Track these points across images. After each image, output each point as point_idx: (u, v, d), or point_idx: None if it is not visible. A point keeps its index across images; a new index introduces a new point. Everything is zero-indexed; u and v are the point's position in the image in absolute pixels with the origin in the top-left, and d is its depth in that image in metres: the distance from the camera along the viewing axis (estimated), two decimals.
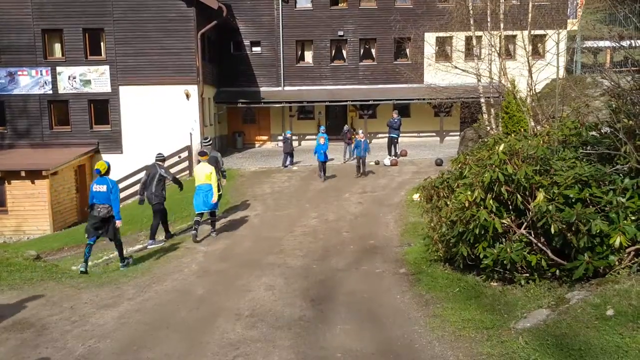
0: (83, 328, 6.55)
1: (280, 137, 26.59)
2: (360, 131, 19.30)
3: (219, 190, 11.60)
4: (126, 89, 21.08)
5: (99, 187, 9.15)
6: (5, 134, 21.32)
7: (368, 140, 18.89)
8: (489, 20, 19.51)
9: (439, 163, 18.99)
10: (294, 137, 25.64)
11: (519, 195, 6.51)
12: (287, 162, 20.30)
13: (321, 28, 26.24)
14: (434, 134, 26.77)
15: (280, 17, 25.94)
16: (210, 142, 13.66)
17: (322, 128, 21.12)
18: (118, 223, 9.34)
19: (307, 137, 26.70)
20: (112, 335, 6.31)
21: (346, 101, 25.60)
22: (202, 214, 11.47)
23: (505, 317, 5.92)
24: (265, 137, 27.51)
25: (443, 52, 25.44)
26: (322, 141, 17.53)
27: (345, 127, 21.57)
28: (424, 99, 24.12)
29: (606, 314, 5.13)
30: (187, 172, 20.31)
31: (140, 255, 10.79)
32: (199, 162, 11.96)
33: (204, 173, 11.36)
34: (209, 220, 11.97)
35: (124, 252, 10.14)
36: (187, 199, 13.53)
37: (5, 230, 18.14)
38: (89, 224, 9.34)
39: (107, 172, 9.29)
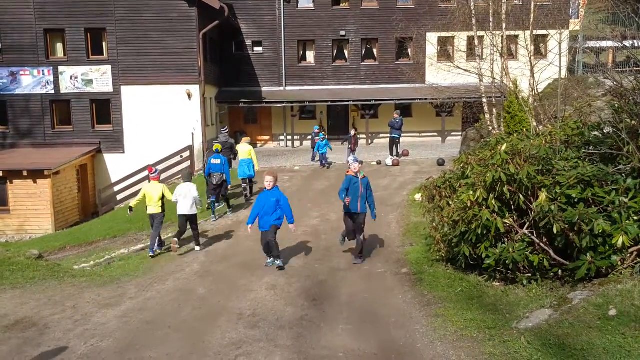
0: (85, 327, 6.56)
1: (282, 137, 26.81)
2: (351, 159, 9.63)
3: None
4: (128, 88, 21.08)
5: (215, 161, 13.47)
6: (7, 134, 21.33)
7: (368, 180, 9.45)
8: (491, 20, 19.47)
9: (441, 163, 18.97)
10: (295, 137, 26.48)
11: (521, 195, 6.51)
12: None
13: (323, 28, 26.21)
14: (435, 134, 26.74)
15: (282, 17, 25.92)
16: (227, 129, 16.38)
17: (316, 128, 20.66)
18: (229, 187, 13.79)
19: (309, 137, 26.65)
20: (114, 334, 6.32)
21: (348, 101, 25.58)
22: (245, 180, 14.92)
23: (508, 317, 5.92)
24: (267, 137, 27.50)
25: (445, 52, 25.38)
26: (268, 184, 8.76)
27: (352, 132, 20.60)
28: (425, 99, 24.07)
29: (609, 314, 5.13)
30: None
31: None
32: (240, 142, 15.61)
33: (245, 151, 15.00)
34: (244, 194, 15.04)
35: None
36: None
37: (7, 229, 18.16)
38: (209, 188, 13.68)
39: (221, 151, 13.95)
